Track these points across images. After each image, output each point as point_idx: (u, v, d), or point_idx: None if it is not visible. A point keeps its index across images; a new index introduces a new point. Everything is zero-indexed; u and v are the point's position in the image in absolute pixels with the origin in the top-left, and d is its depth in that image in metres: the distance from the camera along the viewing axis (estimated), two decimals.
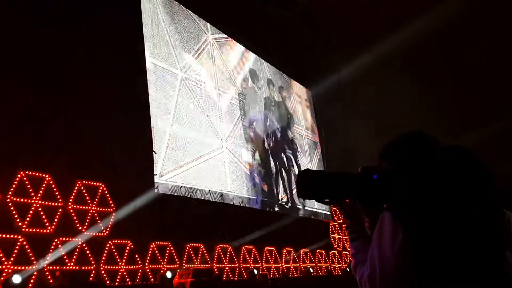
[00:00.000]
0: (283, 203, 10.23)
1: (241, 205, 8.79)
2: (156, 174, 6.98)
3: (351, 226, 1.68)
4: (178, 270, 6.72)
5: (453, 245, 1.47)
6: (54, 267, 5.37)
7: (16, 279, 4.75)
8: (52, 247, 5.43)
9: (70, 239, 5.64)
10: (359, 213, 1.69)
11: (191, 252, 7.31)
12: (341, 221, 12.07)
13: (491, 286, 1.48)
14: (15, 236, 5.10)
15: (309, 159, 12.02)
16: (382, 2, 11.63)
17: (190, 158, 7.74)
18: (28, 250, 5.16)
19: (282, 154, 10.77)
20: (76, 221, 5.79)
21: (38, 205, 5.42)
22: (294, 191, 10.41)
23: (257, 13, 11.09)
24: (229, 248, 8.07)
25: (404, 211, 1.53)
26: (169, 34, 8.13)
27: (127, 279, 6.15)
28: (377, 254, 1.51)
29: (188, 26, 8.76)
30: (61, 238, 5.54)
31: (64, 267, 5.46)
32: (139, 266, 6.39)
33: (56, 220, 5.55)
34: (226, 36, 9.92)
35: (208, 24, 9.38)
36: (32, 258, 5.18)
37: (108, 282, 5.89)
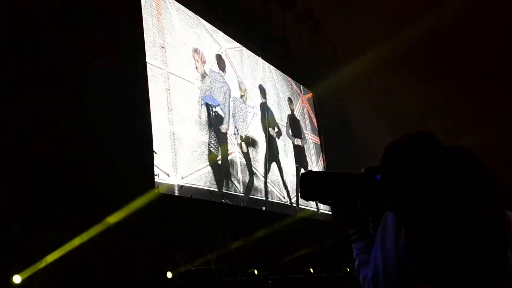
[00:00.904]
0: (289, 204, 10.42)
1: (242, 205, 8.83)
2: (156, 174, 6.98)
3: (354, 226, 1.67)
4: (178, 270, 6.71)
5: (455, 245, 1.47)
6: (55, 267, 5.36)
7: (17, 279, 4.74)
8: (52, 247, 5.42)
9: (70, 239, 5.63)
10: (362, 213, 1.68)
11: (191, 252, 7.30)
12: (343, 221, 12.06)
13: (492, 287, 1.48)
14: (15, 236, 5.10)
15: (315, 162, 12.22)
16: (382, 2, 11.64)
17: (205, 160, 8.07)
18: (29, 250, 5.16)
19: (291, 158, 10.95)
20: (76, 221, 5.78)
21: (38, 205, 5.41)
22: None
23: (257, 13, 11.09)
24: (229, 248, 8.06)
25: (407, 211, 1.53)
26: (184, 41, 8.30)
27: (127, 279, 6.15)
28: (380, 255, 1.51)
29: (203, 37, 8.91)
30: (61, 238, 5.53)
31: (64, 267, 5.45)
32: (139, 266, 6.38)
33: (56, 220, 5.54)
34: (239, 46, 10.00)
35: (220, 32, 9.49)
36: (32, 258, 5.17)
37: (108, 282, 5.88)
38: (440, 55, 13.02)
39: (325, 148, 12.99)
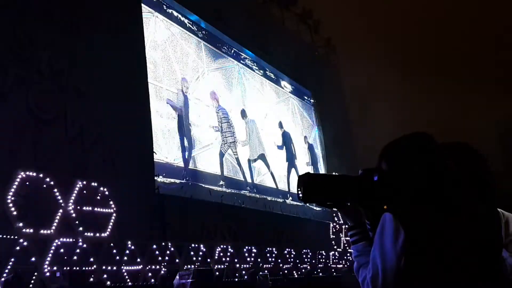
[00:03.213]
0: None
1: (242, 205, 8.84)
2: (156, 175, 6.98)
3: (353, 228, 1.67)
4: (178, 271, 6.70)
5: (453, 245, 1.47)
6: (54, 267, 5.36)
7: (16, 279, 4.74)
8: (52, 247, 5.42)
9: (70, 239, 5.62)
10: (360, 215, 1.68)
11: (191, 252, 7.29)
12: (342, 222, 12.07)
13: (489, 286, 1.48)
14: (15, 237, 5.09)
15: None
16: (381, 2, 11.64)
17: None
18: (28, 251, 5.15)
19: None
20: (76, 222, 5.78)
21: (38, 205, 5.40)
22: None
23: (257, 13, 11.09)
24: (229, 248, 8.05)
25: (405, 212, 1.52)
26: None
27: (127, 279, 6.14)
28: (379, 256, 1.50)
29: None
30: (61, 238, 5.52)
31: (64, 268, 5.44)
32: (139, 267, 6.38)
33: (56, 220, 5.53)
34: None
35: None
36: (33, 259, 5.17)
37: (108, 282, 5.88)
38: (441, 54, 13.00)
39: (327, 153, 13.12)
